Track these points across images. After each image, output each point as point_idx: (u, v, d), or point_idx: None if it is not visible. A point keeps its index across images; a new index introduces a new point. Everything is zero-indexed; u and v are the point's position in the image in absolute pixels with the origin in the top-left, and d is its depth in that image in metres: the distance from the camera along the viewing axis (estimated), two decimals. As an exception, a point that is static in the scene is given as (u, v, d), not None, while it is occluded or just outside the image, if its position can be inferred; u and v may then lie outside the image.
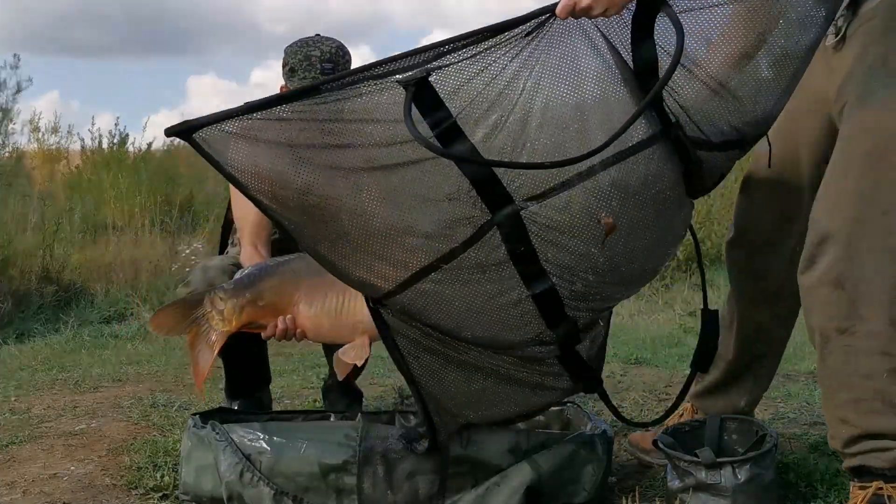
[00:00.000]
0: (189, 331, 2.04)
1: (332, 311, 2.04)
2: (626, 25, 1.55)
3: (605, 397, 1.87)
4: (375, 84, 1.45)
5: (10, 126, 8.61)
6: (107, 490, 2.08)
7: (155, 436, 2.49)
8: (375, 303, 1.69)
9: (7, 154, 8.63)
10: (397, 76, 1.43)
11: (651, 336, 4.17)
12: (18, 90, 8.72)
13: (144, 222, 7.30)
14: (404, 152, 1.49)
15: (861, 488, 1.68)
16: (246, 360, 2.58)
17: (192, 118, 1.41)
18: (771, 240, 1.99)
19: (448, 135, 1.47)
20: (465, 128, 1.49)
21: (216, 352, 2.04)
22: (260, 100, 1.42)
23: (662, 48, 1.55)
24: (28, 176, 9.17)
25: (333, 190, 1.51)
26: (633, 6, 1.52)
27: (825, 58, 1.77)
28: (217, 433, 1.92)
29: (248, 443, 1.90)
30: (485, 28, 1.46)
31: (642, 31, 1.54)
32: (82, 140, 8.80)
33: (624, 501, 1.82)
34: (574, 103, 1.52)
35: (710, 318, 1.84)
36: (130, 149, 8.47)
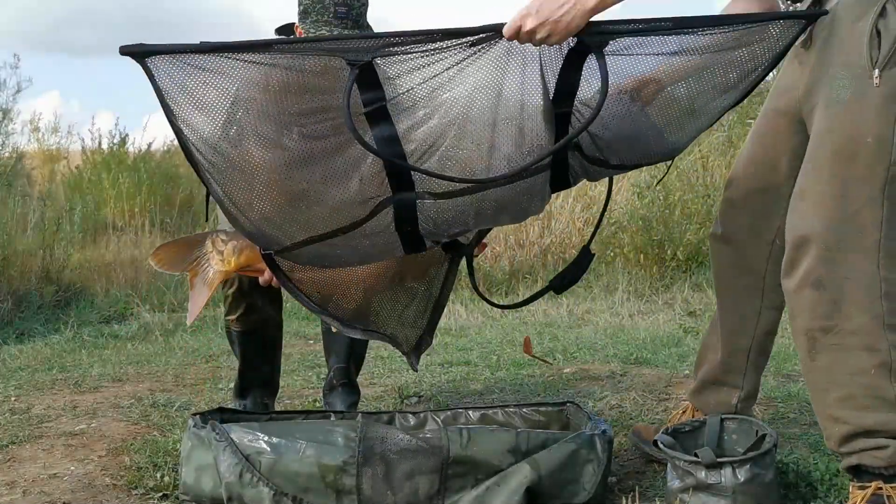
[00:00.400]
0: (190, 269, 2.16)
1: None
2: (562, 55, 1.66)
3: (469, 264, 2.14)
4: (324, 57, 1.57)
5: (10, 126, 8.62)
6: (107, 490, 2.08)
7: (155, 436, 2.49)
8: (266, 252, 1.87)
9: (7, 154, 8.63)
10: (347, 56, 1.54)
11: (651, 336, 4.17)
12: (18, 90, 8.72)
13: (144, 222, 7.30)
14: (332, 125, 1.61)
15: (860, 488, 1.68)
16: (261, 365, 2.60)
17: (149, 43, 1.50)
18: (752, 235, 2.02)
19: (377, 116, 1.61)
20: (394, 114, 1.62)
21: (212, 290, 2.16)
22: (216, 42, 1.52)
23: (588, 82, 1.67)
24: (28, 176, 9.17)
25: (261, 143, 1.63)
26: (573, 41, 1.62)
27: (797, 56, 1.80)
28: (217, 433, 1.92)
29: (248, 443, 1.89)
30: (435, 30, 1.56)
31: (574, 63, 1.65)
32: (82, 140, 8.81)
33: (624, 501, 1.82)
34: (492, 122, 1.65)
35: (585, 254, 2.01)
36: (130, 149, 8.48)
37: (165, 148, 9.08)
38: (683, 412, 2.25)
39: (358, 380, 2.78)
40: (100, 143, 8.49)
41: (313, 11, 2.23)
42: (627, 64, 1.66)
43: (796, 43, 1.78)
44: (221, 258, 2.15)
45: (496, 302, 2.14)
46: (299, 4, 2.30)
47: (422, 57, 1.58)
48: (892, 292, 1.60)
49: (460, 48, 1.58)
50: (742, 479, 1.79)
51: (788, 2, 1.74)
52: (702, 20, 1.62)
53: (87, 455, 2.32)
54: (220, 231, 2.20)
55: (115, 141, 8.48)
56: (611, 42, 1.60)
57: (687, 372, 3.34)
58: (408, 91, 1.61)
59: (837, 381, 1.65)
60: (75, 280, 5.63)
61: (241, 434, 1.91)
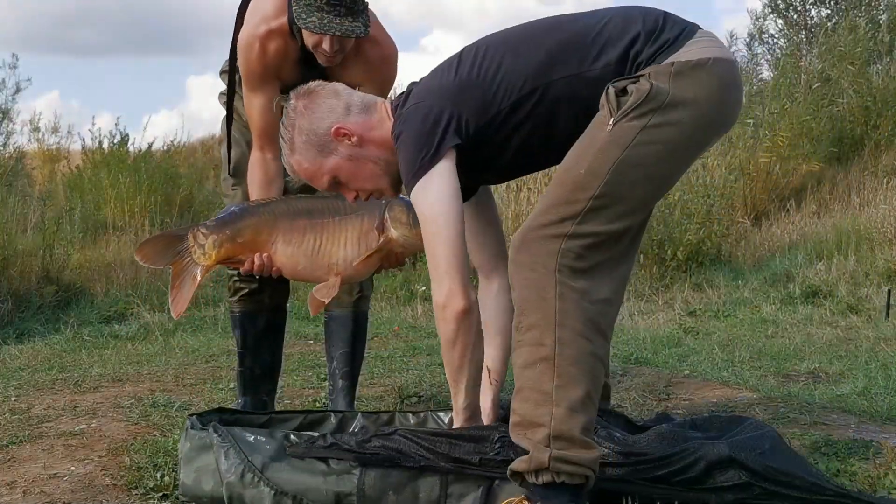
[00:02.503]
0: (173, 263, 2.21)
1: (308, 251, 2.18)
2: None
3: None
4: None
5: (10, 126, 8.63)
6: (107, 490, 2.08)
7: (155, 436, 2.49)
8: None
9: (7, 154, 8.64)
10: None
11: (651, 336, 4.17)
12: (18, 90, 8.73)
13: (144, 222, 7.30)
14: None
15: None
16: (261, 351, 2.60)
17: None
18: None
19: None
20: None
21: (197, 284, 2.20)
22: None
23: None
24: (28, 176, 9.18)
25: None
26: None
27: None
28: (219, 434, 1.91)
29: (248, 443, 1.89)
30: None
31: None
32: (82, 140, 8.81)
33: (624, 501, 1.82)
34: None
35: None
36: (130, 149, 8.47)
37: (165, 148, 9.09)
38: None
39: (358, 380, 2.77)
40: (100, 143, 8.48)
41: None
42: None
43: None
44: (203, 252, 2.19)
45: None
46: None
47: None
48: (565, 294, 1.68)
49: None
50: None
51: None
52: None
53: (87, 455, 2.32)
54: (202, 225, 2.23)
55: (115, 141, 8.48)
56: None
57: (687, 372, 3.34)
58: None
59: (516, 374, 1.74)
60: (75, 280, 5.63)
61: (243, 435, 1.90)
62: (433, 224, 1.80)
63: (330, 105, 1.92)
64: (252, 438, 1.91)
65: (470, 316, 1.81)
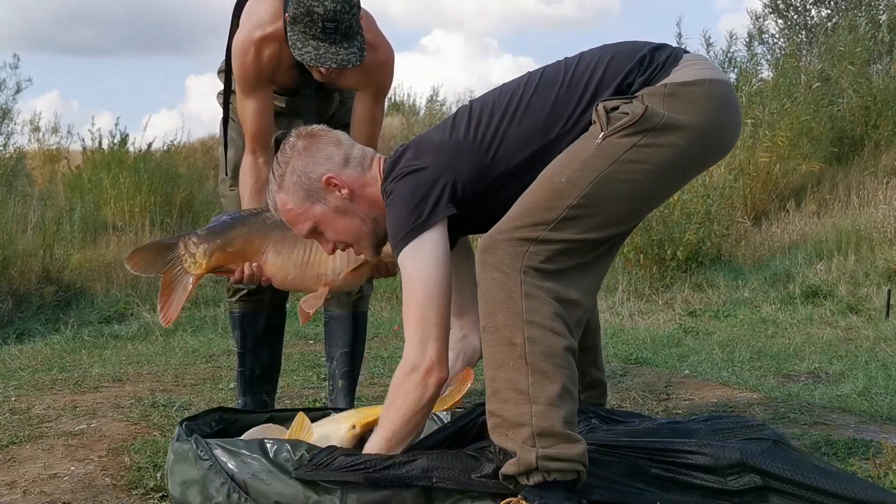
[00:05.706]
0: (164, 271, 2.24)
1: (298, 261, 2.17)
2: None
3: None
4: None
5: (11, 126, 8.63)
6: (107, 490, 2.08)
7: (155, 436, 2.49)
8: None
9: (7, 154, 8.64)
10: None
11: (651, 336, 4.17)
12: (18, 90, 8.73)
13: (144, 222, 7.31)
14: None
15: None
16: (260, 350, 2.61)
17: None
18: None
19: None
20: None
21: (188, 293, 2.23)
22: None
23: None
24: (28, 176, 9.18)
25: None
26: None
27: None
28: (201, 451, 1.84)
29: (232, 461, 1.82)
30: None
31: None
32: (82, 140, 8.82)
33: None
34: None
35: None
36: (130, 149, 8.48)
37: (165, 148, 9.09)
38: None
39: (358, 380, 2.77)
40: (100, 143, 8.49)
41: (301, 22, 2.21)
42: None
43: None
44: (194, 261, 2.20)
45: None
46: (291, 5, 2.25)
47: None
48: (532, 293, 1.68)
49: None
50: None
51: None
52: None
53: (87, 455, 2.32)
54: (192, 234, 2.23)
55: (115, 141, 8.48)
56: None
57: (687, 372, 3.34)
58: None
59: (489, 376, 1.73)
60: (75, 280, 5.64)
61: (224, 451, 1.83)
62: (423, 288, 1.77)
63: (329, 153, 1.91)
64: (234, 450, 1.83)
65: (441, 386, 1.81)
